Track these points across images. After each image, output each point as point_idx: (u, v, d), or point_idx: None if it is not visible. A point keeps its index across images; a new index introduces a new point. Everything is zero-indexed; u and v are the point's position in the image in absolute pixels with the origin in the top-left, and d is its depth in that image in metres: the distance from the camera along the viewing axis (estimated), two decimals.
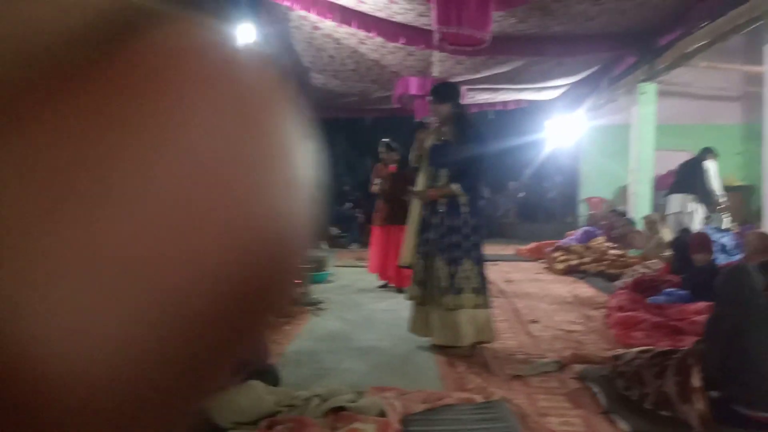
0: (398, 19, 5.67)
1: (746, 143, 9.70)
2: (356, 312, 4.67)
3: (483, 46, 4.84)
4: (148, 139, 0.21)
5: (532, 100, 9.88)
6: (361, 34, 5.90)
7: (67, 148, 0.20)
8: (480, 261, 3.41)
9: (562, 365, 3.15)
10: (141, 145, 0.21)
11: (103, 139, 0.21)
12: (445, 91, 3.52)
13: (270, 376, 2.63)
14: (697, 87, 9.29)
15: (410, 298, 3.59)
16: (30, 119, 0.20)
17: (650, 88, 7.63)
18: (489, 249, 9.24)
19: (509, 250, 9.09)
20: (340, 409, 2.30)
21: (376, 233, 5.75)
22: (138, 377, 0.21)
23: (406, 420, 2.34)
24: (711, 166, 6.88)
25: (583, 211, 10.78)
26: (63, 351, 0.20)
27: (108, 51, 0.22)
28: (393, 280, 5.55)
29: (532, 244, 8.38)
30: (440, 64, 6.89)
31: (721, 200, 6.93)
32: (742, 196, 9.26)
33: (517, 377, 3.00)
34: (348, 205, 11.08)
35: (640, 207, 7.82)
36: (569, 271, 6.56)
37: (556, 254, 6.94)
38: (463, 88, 7.25)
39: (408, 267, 3.65)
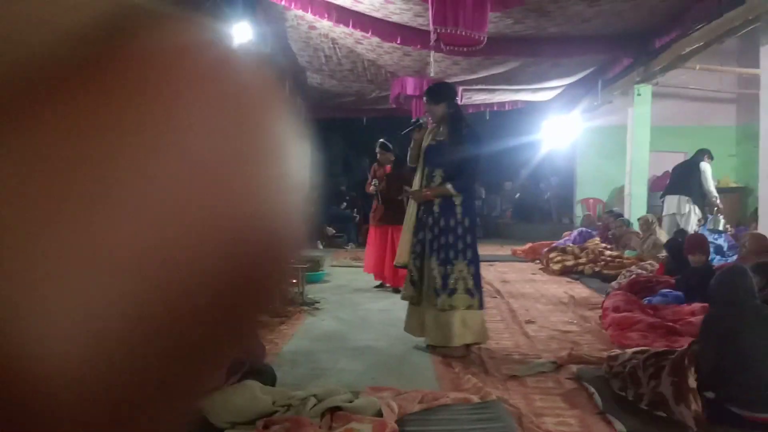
0: (395, 19, 5.67)
1: (741, 145, 9.74)
2: (352, 312, 4.67)
3: (479, 46, 4.84)
4: (145, 139, 0.21)
5: (528, 101, 9.90)
6: (358, 34, 5.90)
7: (64, 148, 0.20)
8: (474, 262, 3.40)
9: (558, 365, 3.16)
10: (137, 145, 0.21)
11: (100, 138, 0.21)
12: (440, 92, 3.52)
13: (266, 376, 2.63)
14: (692, 89, 9.33)
15: (404, 298, 3.60)
16: (28, 119, 0.20)
17: (646, 90, 7.66)
18: (485, 249, 9.26)
19: (505, 250, 9.10)
20: (337, 409, 2.30)
21: (373, 233, 5.75)
22: (135, 375, 0.21)
23: (403, 420, 2.34)
24: (706, 167, 6.91)
25: (578, 212, 10.81)
26: (60, 350, 0.20)
27: (105, 51, 0.22)
28: (389, 280, 5.55)
29: (528, 245, 8.40)
30: (437, 65, 6.90)
31: (716, 201, 6.96)
32: (737, 198, 9.31)
33: (514, 377, 3.00)
34: (344, 205, 11.08)
35: (635, 208, 7.85)
36: (565, 272, 6.58)
37: (552, 255, 6.95)
38: (460, 88, 7.27)
39: (403, 267, 3.65)
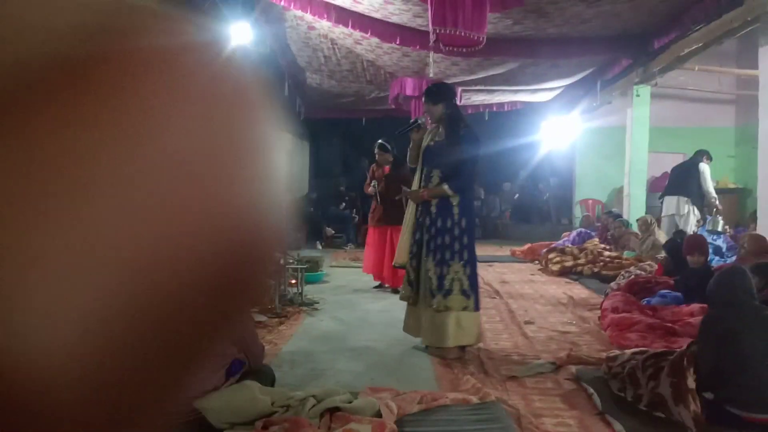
0: (394, 19, 5.67)
1: (740, 146, 9.76)
2: (351, 312, 4.67)
3: (478, 47, 4.85)
4: (128, 138, 0.21)
5: (527, 101, 9.90)
6: (357, 34, 5.90)
7: (50, 148, 0.20)
8: (470, 263, 3.37)
9: (557, 366, 3.16)
10: (121, 144, 0.21)
11: (84, 138, 0.21)
12: (438, 92, 3.51)
13: (265, 377, 2.63)
14: (691, 90, 9.35)
15: (403, 299, 3.60)
16: (16, 118, 0.20)
17: (644, 91, 7.67)
18: (484, 250, 9.25)
19: (504, 251, 9.10)
20: (336, 409, 2.30)
21: (371, 234, 5.75)
22: (122, 373, 0.21)
23: (402, 421, 2.34)
24: (705, 168, 6.92)
25: (577, 212, 10.82)
26: (46, 350, 0.20)
27: (93, 51, 0.22)
28: (388, 280, 5.55)
29: (527, 246, 8.40)
30: (436, 65, 6.90)
31: (715, 202, 6.97)
32: (735, 199, 9.32)
33: (513, 378, 3.00)
34: (343, 205, 11.07)
35: (634, 209, 7.86)
36: (564, 273, 6.58)
37: (551, 255, 6.95)
38: (459, 89, 7.28)
39: (402, 267, 3.65)
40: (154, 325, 0.22)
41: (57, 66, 0.21)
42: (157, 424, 0.24)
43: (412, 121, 3.75)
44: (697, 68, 7.54)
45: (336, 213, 10.64)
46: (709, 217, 7.03)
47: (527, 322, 4.27)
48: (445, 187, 3.35)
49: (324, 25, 5.81)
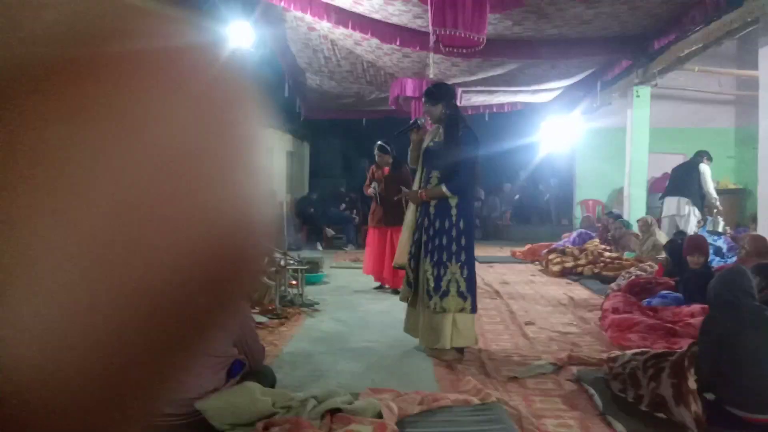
0: (394, 20, 5.68)
1: (740, 147, 9.76)
2: (352, 313, 4.67)
3: (479, 48, 4.85)
4: (116, 135, 0.21)
5: (527, 102, 9.90)
6: (357, 35, 5.90)
7: (31, 144, 0.20)
8: (467, 264, 3.34)
9: (557, 367, 3.16)
10: (107, 141, 0.21)
11: (67, 134, 0.21)
12: (437, 92, 3.49)
13: (266, 378, 2.63)
14: (691, 90, 9.35)
15: (403, 299, 3.60)
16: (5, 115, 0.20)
17: (644, 92, 7.67)
18: (484, 251, 9.25)
19: (504, 252, 9.11)
20: (337, 410, 2.30)
21: (372, 235, 5.75)
22: (110, 371, 0.21)
23: (403, 422, 2.34)
24: (705, 169, 6.92)
25: (578, 213, 10.82)
26: (35, 346, 0.20)
27: (84, 50, 0.22)
28: (388, 281, 5.55)
29: (527, 246, 8.40)
30: (436, 66, 6.90)
31: (715, 203, 6.96)
32: (735, 200, 9.32)
33: (513, 379, 3.00)
34: (344, 206, 11.08)
35: (634, 209, 7.86)
36: (564, 273, 6.58)
37: (552, 256, 6.95)
38: (459, 90, 7.28)
39: (402, 268, 3.64)
40: (143, 320, 0.22)
41: (48, 64, 0.21)
42: (148, 419, 0.24)
43: (411, 121, 3.75)
44: (697, 69, 7.54)
45: (336, 214, 10.64)
46: (709, 218, 7.03)
47: (528, 323, 4.27)
48: (443, 188, 3.34)
49: (324, 26, 5.82)
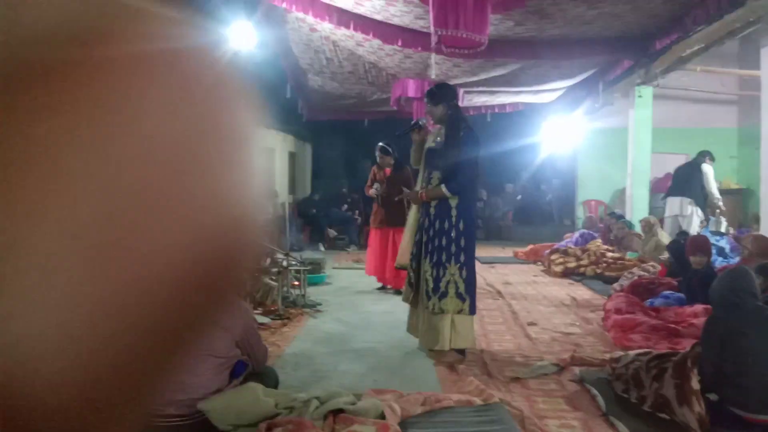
0: (396, 21, 5.68)
1: (742, 147, 9.74)
2: (354, 314, 4.67)
3: (480, 48, 4.85)
4: (109, 132, 0.21)
5: (529, 102, 9.90)
6: (359, 36, 5.90)
7: (23, 139, 0.20)
8: (467, 266, 3.32)
9: (560, 368, 3.16)
10: (99, 138, 0.21)
11: (58, 130, 0.21)
12: (439, 93, 3.49)
13: (269, 378, 2.63)
14: (693, 91, 9.33)
15: (405, 300, 3.59)
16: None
17: (646, 92, 7.66)
18: (486, 251, 9.24)
19: (507, 252, 9.10)
20: (339, 411, 2.30)
21: (373, 236, 5.75)
22: (105, 370, 0.21)
23: (405, 422, 2.34)
24: (708, 169, 6.90)
25: (580, 213, 10.81)
26: (25, 341, 0.20)
27: (78, 49, 0.22)
28: (390, 282, 5.55)
29: (530, 247, 8.39)
30: (438, 67, 6.90)
31: (718, 203, 6.95)
32: (738, 200, 9.30)
33: (516, 379, 3.00)
34: (346, 207, 11.08)
35: (637, 210, 7.85)
36: (567, 274, 6.57)
37: (554, 257, 6.95)
38: (461, 90, 7.28)
39: (403, 268, 3.64)
40: (136, 317, 0.22)
41: (46, 65, 0.21)
42: (144, 418, 0.24)
43: (413, 122, 3.75)
44: (699, 69, 7.53)
45: (338, 215, 10.64)
46: (712, 218, 7.02)
47: (530, 324, 4.27)
48: (443, 188, 3.33)
49: (326, 27, 5.82)
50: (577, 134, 10.31)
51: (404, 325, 3.67)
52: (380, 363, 3.36)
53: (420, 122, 3.67)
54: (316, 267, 6.05)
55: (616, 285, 5.27)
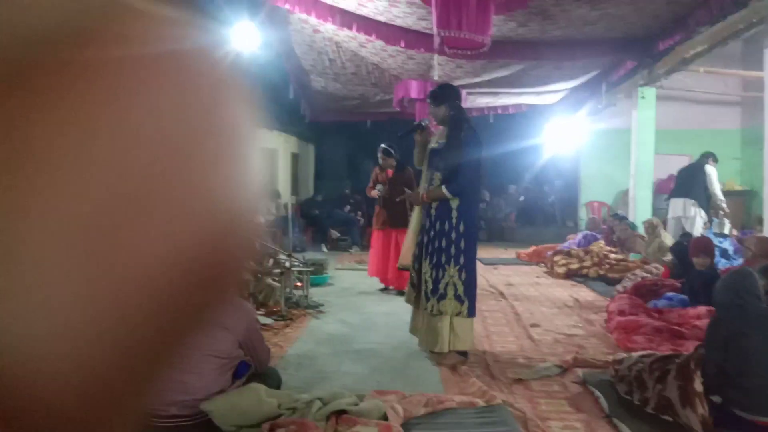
0: (398, 22, 5.68)
1: (746, 148, 9.72)
2: (357, 315, 4.67)
3: (483, 49, 4.85)
4: (104, 133, 0.21)
5: (532, 104, 9.89)
6: (362, 37, 5.91)
7: (21, 140, 0.20)
8: (466, 268, 3.30)
9: (563, 369, 3.15)
10: (95, 137, 0.21)
11: (54, 132, 0.21)
12: (441, 93, 3.48)
13: (271, 379, 2.63)
14: (696, 92, 9.31)
15: (408, 301, 3.59)
16: None
17: (650, 93, 7.65)
18: (489, 252, 9.23)
19: (509, 253, 9.08)
20: (342, 412, 2.30)
21: (376, 237, 5.76)
22: (101, 368, 0.21)
23: (408, 424, 2.34)
24: (711, 170, 6.89)
25: (583, 215, 10.79)
26: (23, 342, 0.20)
27: (78, 49, 0.22)
28: (393, 282, 5.55)
29: (532, 248, 8.38)
30: (440, 68, 6.90)
31: (721, 205, 6.93)
32: (741, 201, 9.27)
33: (519, 381, 3.00)
34: (348, 208, 11.08)
35: (640, 211, 7.83)
36: (569, 275, 6.56)
37: (557, 258, 6.94)
38: (464, 91, 7.27)
39: (406, 269, 3.64)
40: (132, 315, 0.22)
41: (45, 65, 0.21)
42: (142, 417, 0.25)
43: (415, 123, 3.75)
44: (702, 70, 7.51)
45: (341, 216, 10.65)
46: (715, 220, 7.00)
47: (533, 325, 4.26)
48: (444, 189, 3.32)
49: (329, 28, 5.82)
50: (580, 135, 10.30)
51: (407, 326, 3.67)
52: (383, 364, 3.36)
53: (423, 123, 3.66)
54: (318, 268, 6.05)
55: (619, 286, 5.26)
